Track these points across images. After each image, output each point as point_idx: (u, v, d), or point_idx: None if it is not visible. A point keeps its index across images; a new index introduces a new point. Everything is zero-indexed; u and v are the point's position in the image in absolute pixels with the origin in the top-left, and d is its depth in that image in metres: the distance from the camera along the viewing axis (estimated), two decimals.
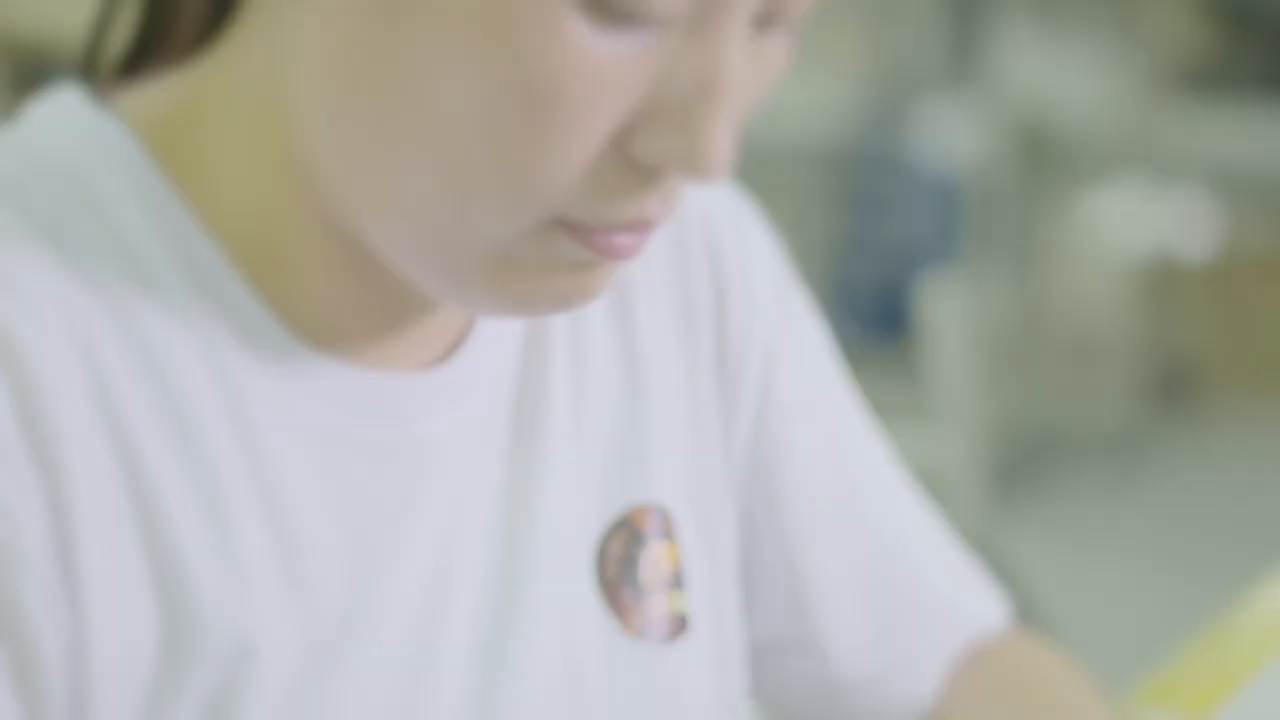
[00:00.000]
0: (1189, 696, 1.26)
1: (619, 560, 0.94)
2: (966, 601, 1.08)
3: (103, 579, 0.78)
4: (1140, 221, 5.12)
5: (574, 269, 0.82)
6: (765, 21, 0.79)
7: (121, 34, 0.89)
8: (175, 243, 0.83)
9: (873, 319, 4.52)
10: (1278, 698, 1.26)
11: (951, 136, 4.76)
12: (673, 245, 0.98)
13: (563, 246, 0.80)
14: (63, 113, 0.85)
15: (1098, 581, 3.92)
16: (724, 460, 1.00)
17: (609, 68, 0.75)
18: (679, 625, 0.96)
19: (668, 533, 0.96)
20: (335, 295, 0.86)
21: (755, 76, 0.80)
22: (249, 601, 0.82)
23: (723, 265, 1.00)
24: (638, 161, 0.78)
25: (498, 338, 0.92)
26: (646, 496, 0.96)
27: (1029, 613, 1.18)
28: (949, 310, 3.96)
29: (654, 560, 0.95)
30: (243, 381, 0.83)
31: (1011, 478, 4.43)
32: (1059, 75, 4.91)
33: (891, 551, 1.06)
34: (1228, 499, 4.44)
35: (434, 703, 0.86)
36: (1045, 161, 4.93)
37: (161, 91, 0.86)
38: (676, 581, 0.96)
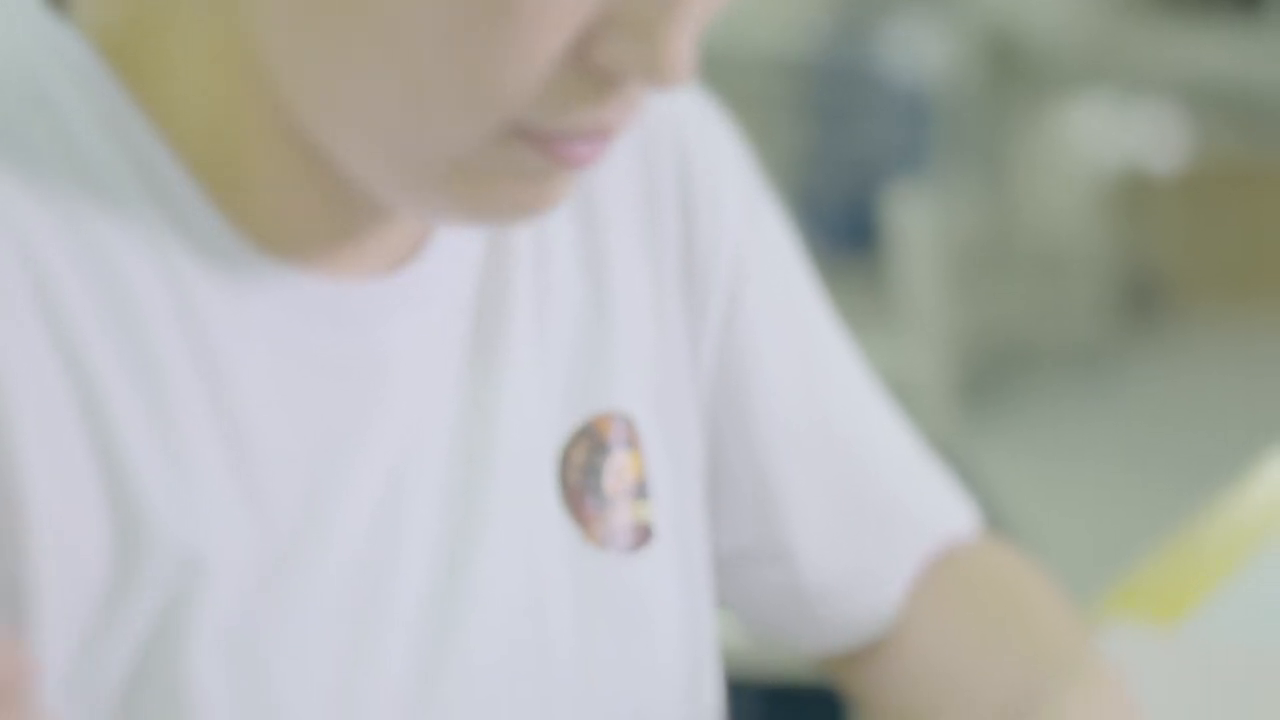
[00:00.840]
0: (1157, 601, 1.26)
1: (582, 469, 0.94)
2: (934, 509, 1.07)
3: (47, 483, 0.77)
4: (1110, 134, 5.11)
5: (532, 178, 0.81)
6: None
7: None
8: (130, 150, 0.82)
9: (841, 231, 4.51)
10: (1245, 603, 1.26)
11: (920, 48, 4.74)
12: (640, 153, 0.98)
13: (521, 155, 0.79)
14: (17, 19, 0.84)
15: (1065, 493, 3.93)
16: (691, 369, 1.00)
17: None
18: (643, 535, 0.95)
19: (632, 441, 0.96)
20: (291, 203, 0.85)
21: None
22: (201, 513, 0.81)
23: (691, 174, 0.99)
24: (598, 69, 0.77)
25: (458, 246, 0.91)
26: (610, 405, 0.95)
27: (997, 522, 1.18)
28: (917, 222, 3.95)
29: (617, 469, 0.95)
30: (196, 290, 0.82)
31: (980, 390, 4.44)
32: None
33: (860, 460, 1.06)
34: (1195, 410, 4.46)
35: (391, 617, 0.86)
36: (1014, 73, 4.92)
37: None
38: (640, 491, 0.96)
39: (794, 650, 1.12)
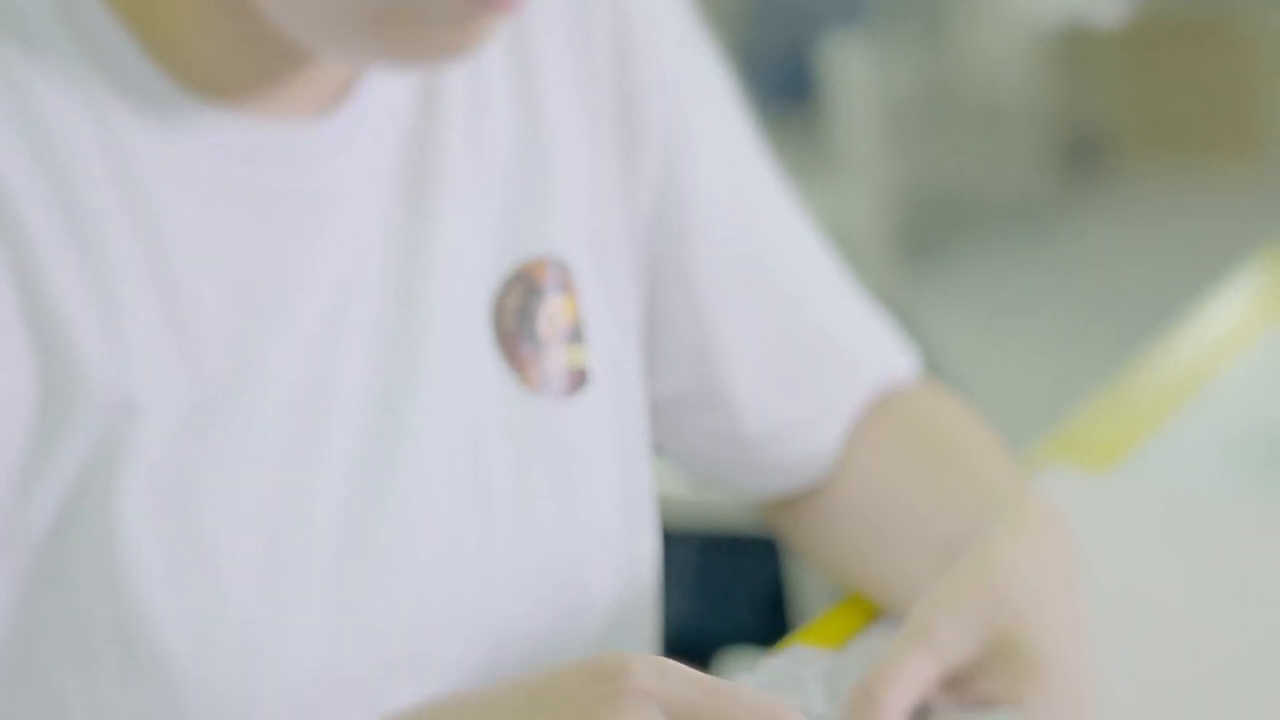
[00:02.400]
0: (1093, 449, 1.27)
1: (516, 313, 0.93)
2: (872, 354, 1.07)
3: None
4: None
5: (457, 21, 0.80)
6: None
7: None
8: None
9: (778, 83, 4.49)
10: (1179, 448, 1.27)
11: None
12: None
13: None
14: None
15: (1003, 344, 3.95)
16: (628, 213, 0.99)
17: None
18: (578, 379, 0.95)
19: (566, 286, 0.95)
20: (216, 45, 0.83)
21: None
22: (131, 356, 0.81)
23: (627, 17, 0.98)
24: None
25: (389, 90, 0.90)
26: (545, 249, 0.94)
27: (936, 371, 1.18)
28: (855, 74, 3.93)
29: (552, 313, 0.94)
30: (125, 133, 0.82)
31: (919, 242, 4.44)
32: None
33: (799, 306, 1.05)
34: (1133, 262, 4.47)
35: (325, 462, 0.85)
36: None
37: None
38: (575, 335, 0.95)
39: (732, 496, 1.12)
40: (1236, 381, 1.40)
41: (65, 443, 0.79)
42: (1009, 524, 0.89)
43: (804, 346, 1.05)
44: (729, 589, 1.64)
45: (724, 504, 1.60)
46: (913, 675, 0.80)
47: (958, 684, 0.82)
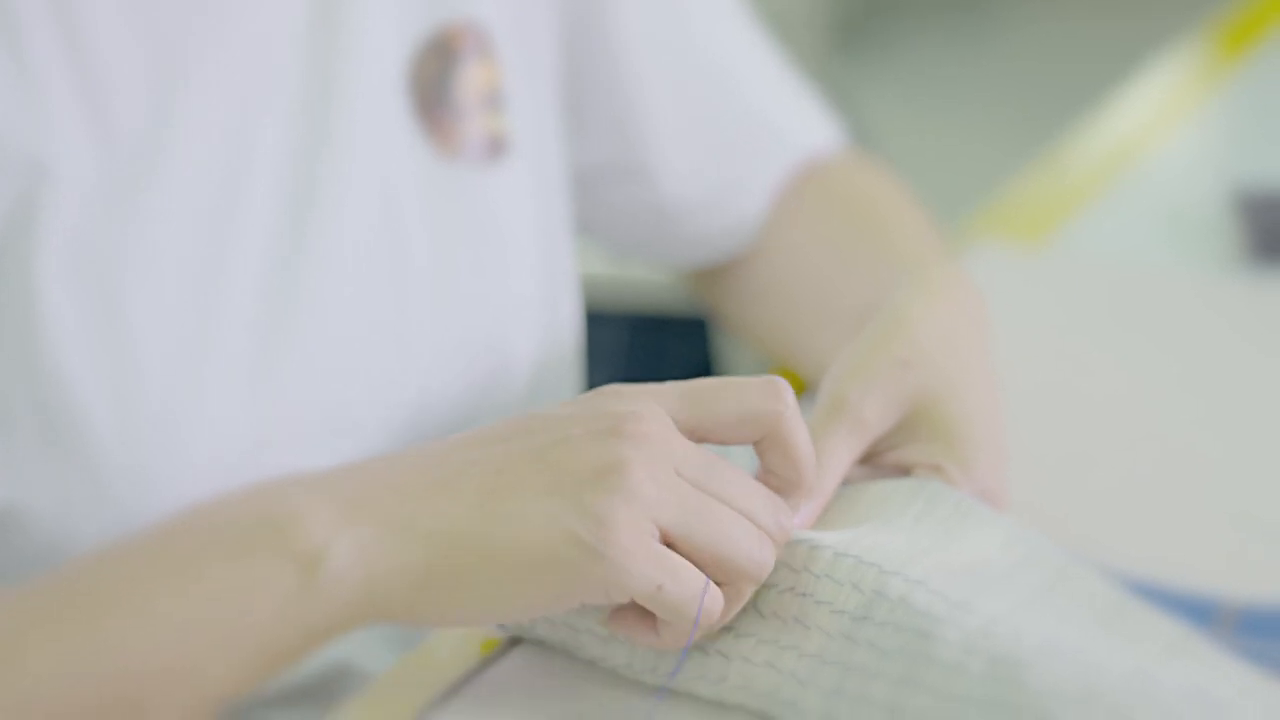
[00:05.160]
0: (1023, 223, 1.26)
1: (433, 80, 0.91)
2: (797, 125, 1.06)
3: None
4: None
5: None
6: None
7: None
8: None
9: None
10: (1108, 222, 1.27)
11: None
12: None
13: None
14: None
15: (939, 125, 3.94)
16: None
17: None
18: (497, 146, 0.93)
19: (485, 52, 0.93)
20: None
21: None
22: (43, 121, 0.79)
23: None
24: None
25: None
26: (462, 12, 0.92)
27: (867, 148, 1.16)
28: None
29: (470, 79, 0.92)
30: None
31: (853, 24, 4.41)
32: None
33: (723, 77, 1.04)
34: (1065, 45, 4.45)
35: (243, 233, 0.84)
36: None
37: None
38: (494, 102, 0.93)
39: (657, 269, 1.11)
40: (1171, 155, 1.40)
41: None
42: (921, 289, 0.87)
43: (727, 116, 1.03)
44: (657, 368, 1.64)
45: (652, 282, 1.60)
46: (839, 457, 0.78)
47: (873, 455, 0.81)
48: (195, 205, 0.83)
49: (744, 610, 0.73)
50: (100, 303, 0.80)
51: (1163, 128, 1.45)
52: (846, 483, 0.80)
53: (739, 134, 1.04)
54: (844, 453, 0.78)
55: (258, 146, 0.85)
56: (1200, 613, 0.77)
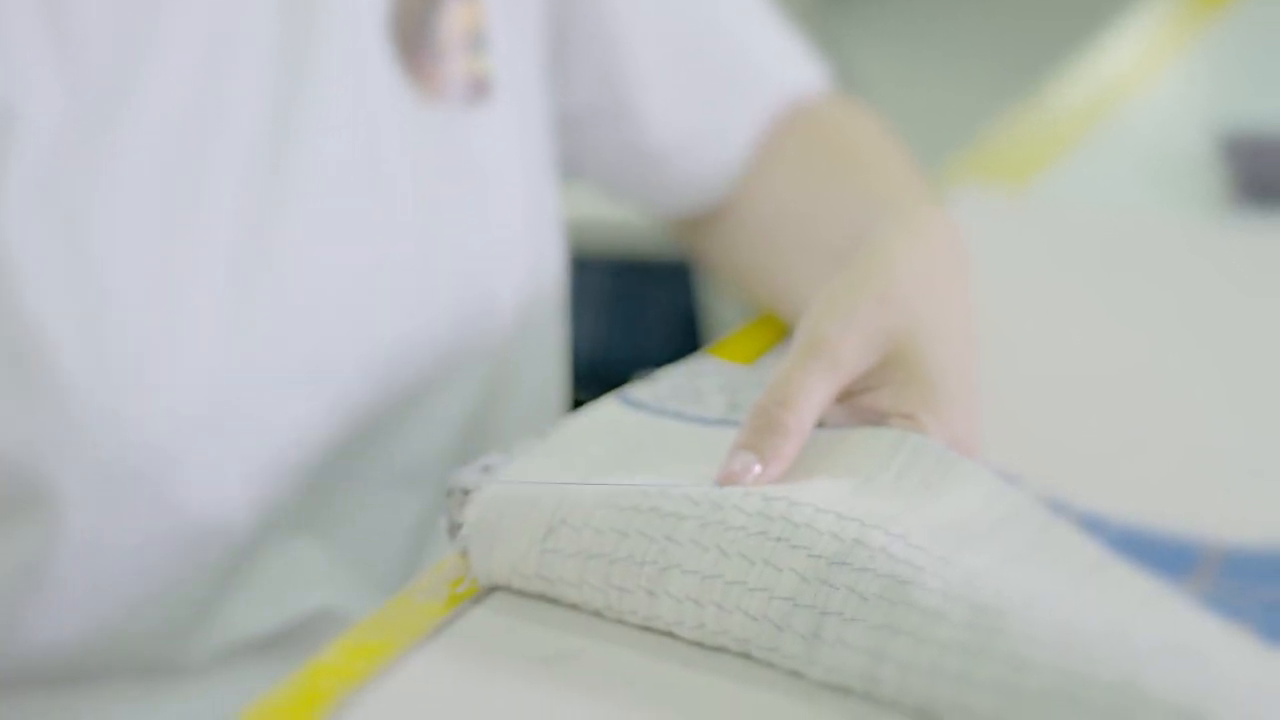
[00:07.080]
0: (1005, 167, 1.26)
1: (414, 20, 0.90)
2: (780, 66, 1.05)
3: None
4: None
5: None
6: None
7: None
8: None
9: None
10: (1091, 167, 1.26)
11: None
12: None
13: None
14: None
15: (924, 73, 3.93)
16: None
17: None
18: (480, 88, 0.92)
19: None
20: None
21: None
22: (8, 60, 0.79)
23: None
24: None
25: None
26: None
27: (853, 93, 1.15)
28: None
29: (452, 20, 0.91)
30: None
31: None
32: None
33: (707, 19, 1.03)
34: None
35: (216, 176, 0.83)
36: None
37: None
38: (477, 42, 0.92)
39: (641, 213, 1.11)
40: (1156, 99, 1.39)
41: None
42: (900, 228, 0.86)
43: (711, 58, 1.03)
44: (642, 313, 1.64)
45: (637, 228, 1.59)
46: (815, 395, 0.77)
47: (849, 394, 0.80)
48: (166, 146, 0.82)
49: (707, 550, 0.71)
50: (69, 244, 0.80)
51: (1148, 72, 1.45)
52: (823, 423, 0.79)
53: (722, 76, 1.03)
54: (822, 389, 0.76)
55: (232, 86, 0.84)
56: (1184, 556, 0.76)
